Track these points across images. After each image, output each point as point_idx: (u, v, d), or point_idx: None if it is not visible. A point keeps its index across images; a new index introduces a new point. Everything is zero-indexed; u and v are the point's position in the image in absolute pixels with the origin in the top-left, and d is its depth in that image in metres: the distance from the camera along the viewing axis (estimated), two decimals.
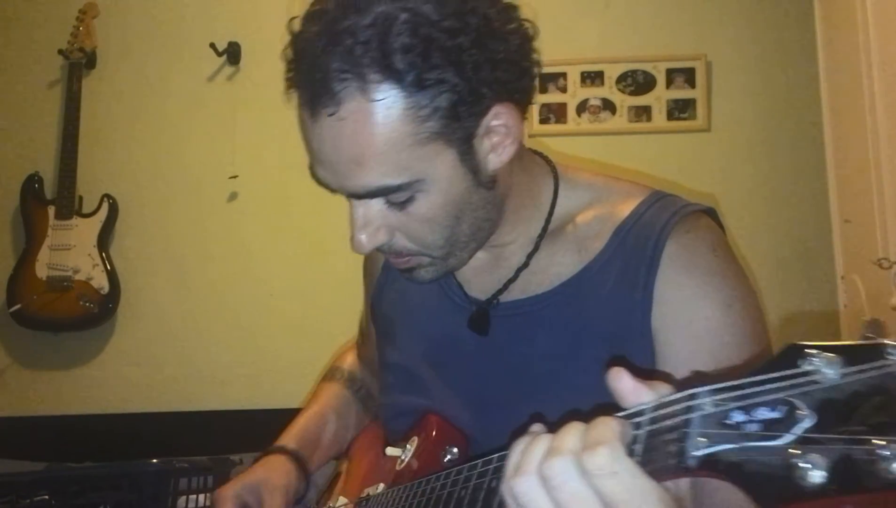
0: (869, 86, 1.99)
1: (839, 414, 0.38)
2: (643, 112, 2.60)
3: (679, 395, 0.47)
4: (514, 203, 0.90)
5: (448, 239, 0.83)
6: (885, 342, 0.38)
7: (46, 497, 1.32)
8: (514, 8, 0.81)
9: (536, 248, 0.92)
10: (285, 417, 2.81)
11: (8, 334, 2.61)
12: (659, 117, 2.59)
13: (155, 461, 1.43)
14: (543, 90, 2.61)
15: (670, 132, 2.58)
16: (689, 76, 2.58)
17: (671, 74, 2.59)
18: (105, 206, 2.60)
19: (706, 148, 2.57)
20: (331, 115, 0.74)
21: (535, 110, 2.61)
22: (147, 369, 2.60)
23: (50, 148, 2.68)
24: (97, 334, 2.60)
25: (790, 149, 2.54)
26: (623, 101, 2.60)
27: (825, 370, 0.39)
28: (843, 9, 2.14)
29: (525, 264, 0.92)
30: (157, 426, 2.51)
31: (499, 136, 0.81)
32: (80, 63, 2.62)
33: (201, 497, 1.46)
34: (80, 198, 2.61)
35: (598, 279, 0.87)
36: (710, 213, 0.90)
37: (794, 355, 0.41)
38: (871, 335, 0.39)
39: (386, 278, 1.10)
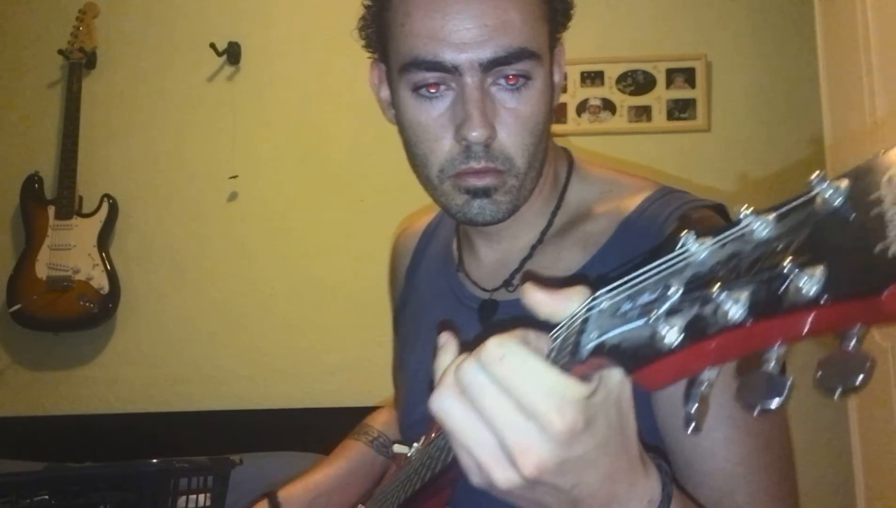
0: (869, 86, 1.99)
1: (703, 283, 0.41)
2: (643, 112, 2.59)
3: (586, 301, 0.51)
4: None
5: (535, 150, 0.87)
6: (739, 212, 0.42)
7: (46, 497, 1.32)
8: None
9: (541, 240, 0.94)
10: (285, 417, 2.79)
11: (8, 334, 2.61)
12: (659, 117, 2.59)
13: (155, 461, 1.43)
14: None
15: (670, 132, 2.58)
16: (689, 76, 2.58)
17: (671, 74, 2.59)
18: (105, 206, 2.60)
19: (706, 148, 2.57)
20: None
21: None
22: (147, 369, 2.60)
23: (50, 148, 2.68)
24: (97, 334, 2.60)
25: (790, 149, 2.54)
26: (623, 101, 2.60)
27: (694, 248, 0.43)
28: (843, 9, 2.14)
29: (529, 256, 0.94)
30: (157, 426, 2.51)
31: (559, 75, 0.92)
32: (80, 63, 2.62)
33: (201, 497, 1.46)
34: (80, 198, 2.61)
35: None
36: (719, 209, 0.88)
37: (673, 243, 0.45)
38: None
39: (408, 288, 1.13)
